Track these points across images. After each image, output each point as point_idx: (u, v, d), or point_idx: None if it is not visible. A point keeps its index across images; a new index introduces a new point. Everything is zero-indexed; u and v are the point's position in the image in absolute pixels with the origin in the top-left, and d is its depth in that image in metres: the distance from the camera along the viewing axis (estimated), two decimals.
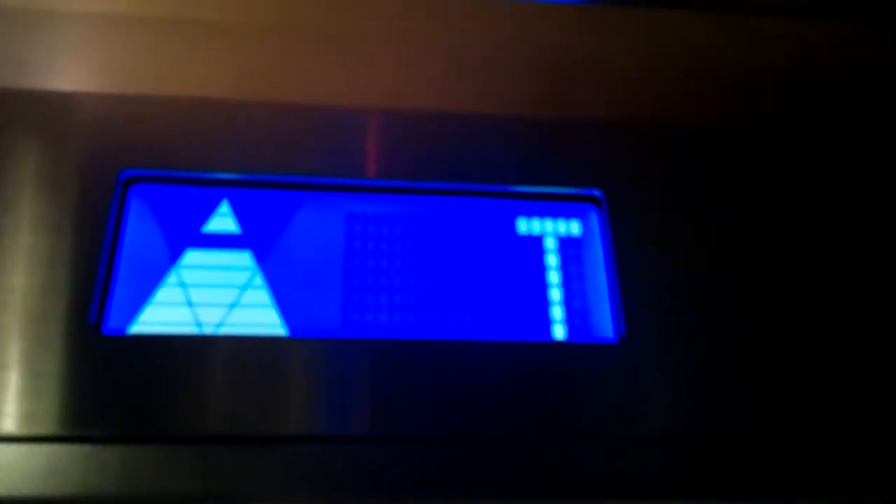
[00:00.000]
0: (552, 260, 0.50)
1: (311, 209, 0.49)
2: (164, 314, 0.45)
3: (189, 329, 0.45)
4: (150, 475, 0.40)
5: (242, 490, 0.40)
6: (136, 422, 0.41)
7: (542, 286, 0.49)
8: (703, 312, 0.47)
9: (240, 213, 0.48)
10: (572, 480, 0.42)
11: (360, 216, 0.49)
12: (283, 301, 0.47)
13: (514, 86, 0.53)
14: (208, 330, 0.45)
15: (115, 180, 0.47)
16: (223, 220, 0.48)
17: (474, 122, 0.51)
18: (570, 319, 0.48)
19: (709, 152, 0.52)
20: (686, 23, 0.56)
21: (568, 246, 0.50)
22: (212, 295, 0.46)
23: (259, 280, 0.47)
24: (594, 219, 0.51)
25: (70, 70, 0.50)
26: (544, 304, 0.49)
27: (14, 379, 0.41)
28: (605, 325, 0.48)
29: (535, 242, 0.50)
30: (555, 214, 0.51)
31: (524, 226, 0.51)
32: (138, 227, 0.47)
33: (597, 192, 0.51)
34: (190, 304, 0.46)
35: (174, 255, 0.47)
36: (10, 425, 0.40)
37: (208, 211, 0.48)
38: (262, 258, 0.47)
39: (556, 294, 0.49)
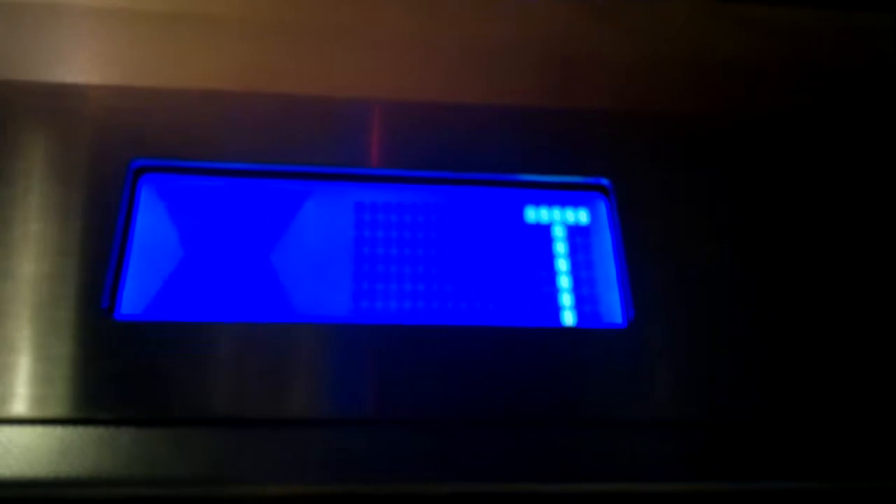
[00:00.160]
0: (560, 248, 0.50)
1: (320, 199, 0.49)
2: (174, 300, 0.46)
3: (200, 315, 0.45)
4: (161, 457, 0.40)
5: (252, 472, 0.40)
6: (147, 405, 0.41)
7: (551, 274, 0.49)
8: (710, 298, 0.48)
9: (250, 203, 0.49)
10: (581, 464, 0.42)
11: (370, 206, 0.50)
12: (294, 288, 0.47)
13: (522, 76, 0.53)
14: (219, 316, 0.45)
15: (125, 170, 0.47)
16: (234, 210, 0.48)
17: (483, 112, 0.52)
18: (580, 306, 0.48)
19: (715, 141, 0.52)
20: (692, 13, 0.56)
21: (576, 234, 0.51)
22: (224, 281, 0.46)
23: (270, 268, 0.47)
24: (602, 207, 0.51)
25: (81, 63, 0.50)
26: (553, 291, 0.49)
27: (28, 363, 0.41)
28: (614, 311, 0.48)
29: (544, 231, 0.50)
30: (563, 203, 0.51)
31: (532, 214, 0.51)
32: (149, 216, 0.48)
33: (605, 181, 0.51)
34: (201, 290, 0.46)
35: (184, 243, 0.47)
36: (23, 408, 0.40)
37: (217, 199, 0.49)
38: (272, 246, 0.48)
39: (564, 281, 0.49)
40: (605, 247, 0.50)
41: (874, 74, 0.56)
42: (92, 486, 0.39)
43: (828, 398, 0.45)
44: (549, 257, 0.50)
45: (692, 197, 0.51)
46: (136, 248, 0.47)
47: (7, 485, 0.39)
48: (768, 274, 0.49)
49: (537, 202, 0.51)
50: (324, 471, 0.41)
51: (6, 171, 0.46)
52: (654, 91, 0.54)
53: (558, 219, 0.51)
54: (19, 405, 0.40)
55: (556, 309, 0.48)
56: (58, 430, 0.40)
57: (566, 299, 0.48)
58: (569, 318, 0.48)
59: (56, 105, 0.48)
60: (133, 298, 0.45)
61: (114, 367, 0.42)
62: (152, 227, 0.47)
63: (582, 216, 0.51)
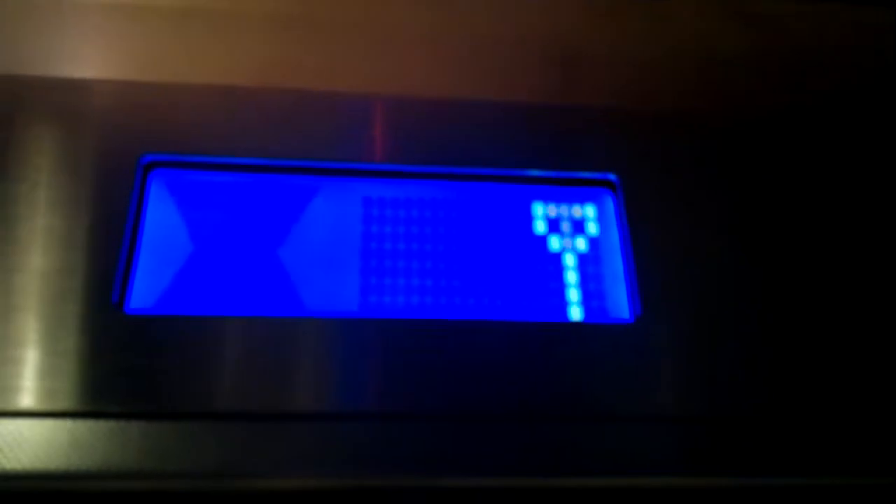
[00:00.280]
0: (567, 243, 0.50)
1: (328, 194, 0.50)
2: (184, 295, 0.46)
3: (208, 309, 0.45)
4: (170, 451, 0.40)
5: (261, 466, 0.40)
6: (156, 398, 0.41)
7: (558, 269, 0.49)
8: (717, 293, 0.48)
9: (259, 198, 0.49)
10: (588, 459, 0.43)
11: (378, 201, 0.50)
12: (302, 283, 0.47)
13: (528, 73, 0.53)
14: (227, 311, 0.45)
15: (135, 165, 0.47)
16: (242, 205, 0.49)
17: (491, 108, 0.52)
18: (587, 301, 0.48)
19: (721, 137, 0.52)
20: (698, 10, 0.56)
21: (583, 230, 0.51)
22: (232, 276, 0.47)
23: (278, 262, 0.47)
24: (609, 203, 0.51)
25: (90, 58, 0.51)
26: (560, 286, 0.49)
27: (38, 356, 0.41)
28: (621, 306, 0.48)
29: (551, 226, 0.50)
30: (570, 199, 0.51)
31: (540, 210, 0.51)
32: (158, 211, 0.48)
33: (612, 176, 0.51)
34: (210, 285, 0.46)
35: (194, 238, 0.47)
36: (33, 401, 0.41)
37: (226, 194, 0.49)
38: (280, 241, 0.48)
39: (571, 277, 0.49)
40: (612, 243, 0.50)
41: (878, 71, 0.55)
42: (101, 480, 0.39)
43: (831, 394, 0.46)
44: (557, 253, 0.50)
45: (699, 193, 0.51)
46: (146, 242, 0.47)
47: (17, 477, 0.39)
48: (774, 270, 0.49)
49: (544, 198, 0.51)
50: (332, 464, 0.41)
51: (17, 167, 0.46)
52: (660, 87, 0.54)
53: (566, 214, 0.51)
54: (29, 399, 0.41)
55: (563, 304, 0.48)
56: (68, 424, 0.40)
57: (573, 295, 0.49)
58: (576, 314, 0.48)
59: (66, 100, 0.49)
60: (143, 293, 0.45)
61: (123, 361, 0.42)
62: (162, 221, 0.48)
63: (589, 212, 0.51)
